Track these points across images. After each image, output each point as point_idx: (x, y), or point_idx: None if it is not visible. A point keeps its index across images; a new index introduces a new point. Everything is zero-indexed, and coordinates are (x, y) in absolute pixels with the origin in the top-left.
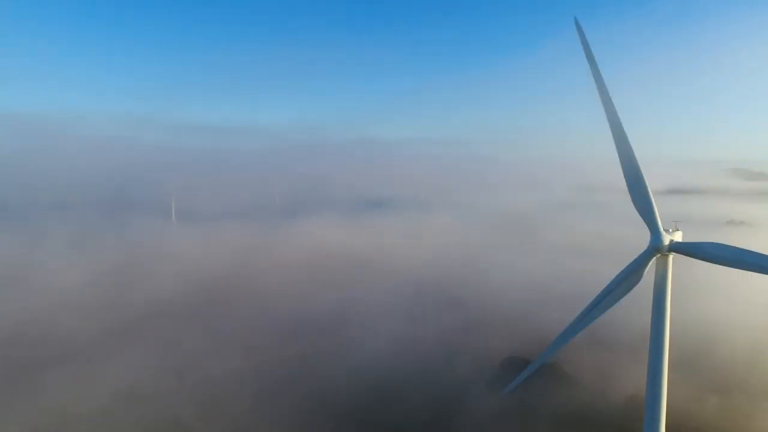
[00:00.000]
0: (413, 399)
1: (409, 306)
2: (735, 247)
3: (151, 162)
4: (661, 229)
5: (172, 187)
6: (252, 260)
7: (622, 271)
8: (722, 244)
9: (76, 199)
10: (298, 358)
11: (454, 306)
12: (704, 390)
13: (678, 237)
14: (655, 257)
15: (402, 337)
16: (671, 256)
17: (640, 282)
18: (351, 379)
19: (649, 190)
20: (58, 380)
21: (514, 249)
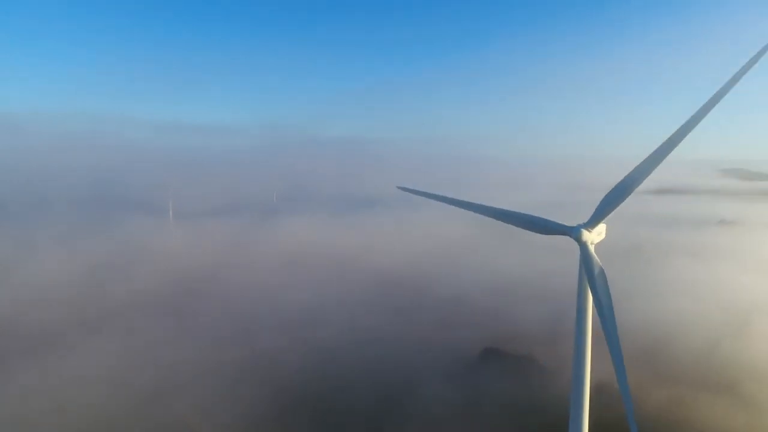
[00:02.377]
0: (392, 390)
1: (391, 301)
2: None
3: (116, 160)
4: (567, 225)
5: (144, 185)
6: (228, 257)
7: (585, 276)
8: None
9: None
10: (267, 351)
11: (435, 301)
12: (651, 381)
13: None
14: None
15: (381, 331)
16: (590, 245)
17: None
18: (318, 371)
19: (524, 213)
20: (28, 370)
21: (496, 247)
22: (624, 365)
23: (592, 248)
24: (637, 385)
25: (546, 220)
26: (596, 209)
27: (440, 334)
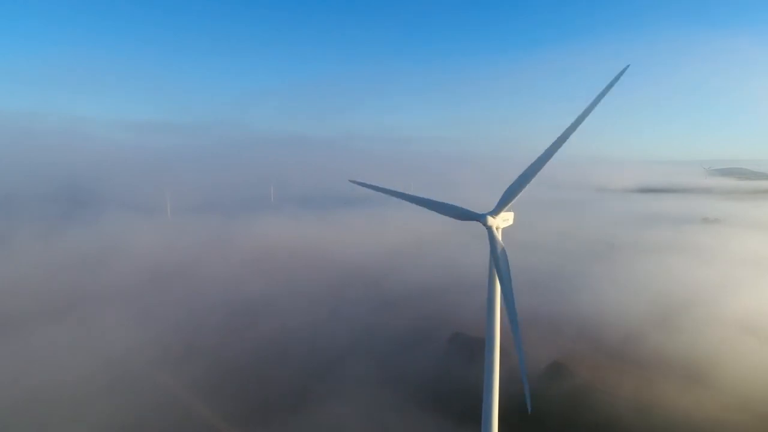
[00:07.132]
0: (378, 366)
1: (361, 293)
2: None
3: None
4: (477, 212)
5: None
6: (195, 254)
7: (493, 256)
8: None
9: None
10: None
11: (406, 292)
12: (567, 359)
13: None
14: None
15: (358, 321)
16: (495, 230)
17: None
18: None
19: (444, 202)
20: None
21: (467, 243)
22: (521, 338)
23: (497, 232)
24: (574, 364)
25: (461, 208)
26: (500, 199)
27: (413, 321)
